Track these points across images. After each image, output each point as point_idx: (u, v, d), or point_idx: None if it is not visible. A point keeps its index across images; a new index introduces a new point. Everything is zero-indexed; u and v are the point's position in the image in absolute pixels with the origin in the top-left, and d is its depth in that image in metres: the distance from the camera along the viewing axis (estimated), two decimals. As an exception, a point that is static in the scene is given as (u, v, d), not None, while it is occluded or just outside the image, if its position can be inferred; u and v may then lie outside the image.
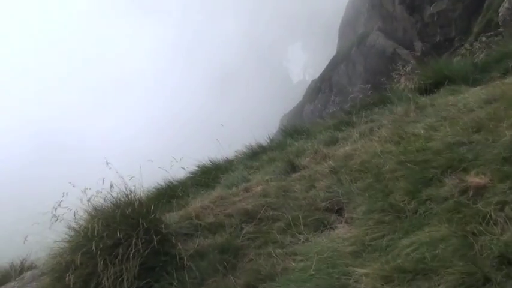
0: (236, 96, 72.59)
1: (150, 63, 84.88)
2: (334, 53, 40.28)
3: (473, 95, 5.19)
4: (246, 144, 6.88)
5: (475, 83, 6.03)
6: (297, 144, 5.69)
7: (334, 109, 35.53)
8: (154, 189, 6.22)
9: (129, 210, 3.48)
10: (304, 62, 72.57)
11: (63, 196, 3.49)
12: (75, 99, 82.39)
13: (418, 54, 26.63)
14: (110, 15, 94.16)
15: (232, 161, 6.55)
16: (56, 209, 3.48)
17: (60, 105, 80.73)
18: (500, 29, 15.01)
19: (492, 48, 7.83)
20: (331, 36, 46.89)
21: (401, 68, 9.05)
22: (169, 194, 5.91)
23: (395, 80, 8.92)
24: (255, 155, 6.31)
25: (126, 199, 3.65)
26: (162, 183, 6.23)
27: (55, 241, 3.53)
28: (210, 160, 6.70)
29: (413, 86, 6.60)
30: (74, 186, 3.57)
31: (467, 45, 16.85)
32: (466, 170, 3.46)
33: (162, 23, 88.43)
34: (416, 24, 24.36)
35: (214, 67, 77.63)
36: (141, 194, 3.81)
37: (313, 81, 41.51)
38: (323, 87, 36.80)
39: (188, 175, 6.47)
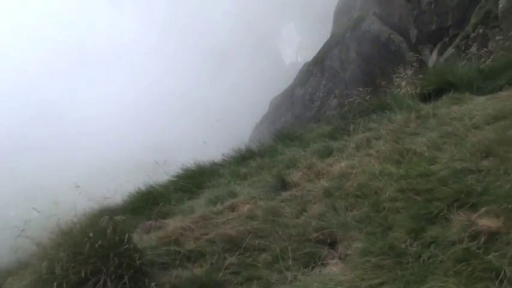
0: (228, 75, 71.75)
1: (141, 38, 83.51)
2: (328, 36, 39.69)
3: (479, 106, 4.83)
4: (235, 148, 6.48)
5: (480, 91, 5.66)
6: (288, 152, 5.31)
7: (325, 94, 35.29)
8: (135, 194, 5.84)
9: (100, 242, 3.09)
10: (297, 43, 71.68)
11: (25, 224, 3.09)
12: (64, 72, 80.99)
13: (413, 42, 26.24)
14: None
15: (220, 165, 6.16)
16: (17, 238, 3.08)
17: (47, 77, 79.32)
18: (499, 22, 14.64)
19: (497, 51, 7.32)
20: (326, 18, 46.16)
21: (402, 71, 8.61)
22: (151, 200, 5.53)
23: (395, 84, 8.50)
24: (243, 160, 5.92)
25: (96, 227, 3.26)
26: (143, 188, 5.84)
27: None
28: (195, 163, 6.29)
29: (414, 92, 6.22)
30: (38, 212, 3.17)
31: (463, 36, 16.50)
32: (475, 206, 3.12)
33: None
34: (413, 11, 23.87)
35: (208, 46, 76.52)
36: (116, 216, 3.41)
37: (305, 64, 40.94)
38: (315, 70, 36.30)
39: (172, 179, 6.08)
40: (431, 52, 24.09)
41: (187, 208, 4.93)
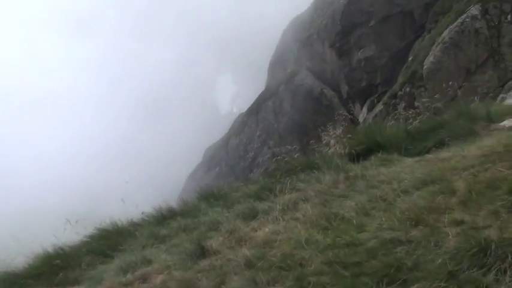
0: (162, 122, 70.94)
1: (73, 81, 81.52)
2: (263, 87, 40.31)
3: (407, 169, 4.74)
4: (155, 206, 6.02)
5: (408, 152, 5.64)
6: (211, 213, 4.94)
7: (259, 144, 35.50)
8: (40, 256, 5.23)
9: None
10: (233, 94, 72.38)
11: None
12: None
13: (344, 97, 27.05)
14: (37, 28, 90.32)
15: (138, 224, 5.67)
16: None
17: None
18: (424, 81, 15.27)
19: (423, 111, 7.49)
20: (262, 70, 47.02)
21: (331, 129, 8.58)
22: (59, 264, 4.96)
23: (324, 142, 8.44)
24: (164, 220, 5.48)
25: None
26: (50, 250, 5.24)
27: None
28: (111, 223, 5.77)
29: (343, 151, 6.12)
30: None
31: (391, 93, 17.07)
32: (405, 283, 2.87)
33: (92, 41, 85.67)
34: (344, 68, 24.76)
35: (142, 92, 75.73)
36: None
37: (240, 114, 41.21)
38: (249, 121, 36.53)
39: (85, 239, 5.53)
40: (361, 107, 24.83)
41: (97, 275, 4.42)
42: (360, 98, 24.80)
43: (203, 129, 63.01)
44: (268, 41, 42.97)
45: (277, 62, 37.81)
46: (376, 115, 16.00)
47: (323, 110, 30.33)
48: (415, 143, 5.94)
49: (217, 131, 50.55)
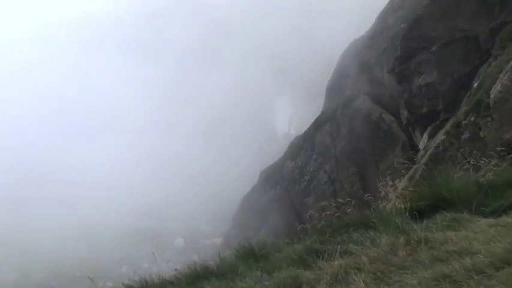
0: (220, 145, 71.63)
1: (138, 106, 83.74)
2: (319, 110, 39.86)
3: (481, 236, 4.16)
4: (189, 263, 5.72)
5: (480, 211, 5.01)
6: (248, 279, 4.53)
7: (315, 168, 34.92)
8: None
9: None
10: (290, 115, 72.31)
11: None
12: (56, 136, 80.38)
13: (404, 123, 26.18)
14: (100, 52, 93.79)
15: (170, 282, 5.36)
16: None
17: (43, 142, 78.69)
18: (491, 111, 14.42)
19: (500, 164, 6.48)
20: (319, 93, 46.64)
21: (390, 182, 8.05)
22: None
23: (382, 194, 7.92)
24: (197, 280, 5.15)
25: None
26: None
27: None
28: (140, 280, 5.53)
29: (403, 207, 5.58)
30: None
31: (454, 122, 16.25)
32: None
33: (155, 66, 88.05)
34: (404, 94, 23.98)
35: (201, 115, 76.87)
36: None
37: (296, 137, 40.82)
38: (305, 145, 36.12)
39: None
40: (422, 134, 23.95)
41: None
42: (421, 125, 23.88)
43: (260, 150, 63.18)
44: (326, 64, 42.60)
45: (334, 86, 37.30)
46: (438, 145, 15.21)
47: (381, 135, 29.53)
48: (489, 200, 5.26)
49: (274, 151, 50.46)
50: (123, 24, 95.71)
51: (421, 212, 5.30)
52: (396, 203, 5.85)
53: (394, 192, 6.61)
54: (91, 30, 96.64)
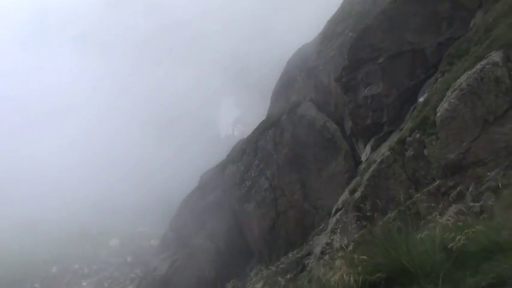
0: (172, 145, 70.04)
1: (88, 101, 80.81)
2: (265, 114, 39.33)
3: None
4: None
5: (447, 284, 4.11)
6: None
7: (257, 174, 34.21)
8: None
9: None
10: (234, 117, 71.57)
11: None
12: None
13: (348, 133, 25.86)
14: (48, 43, 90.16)
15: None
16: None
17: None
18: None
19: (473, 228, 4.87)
20: (265, 96, 46.18)
21: (339, 246, 7.09)
22: None
23: (327, 261, 6.88)
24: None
25: None
26: None
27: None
28: None
29: (353, 280, 4.48)
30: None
31: (399, 139, 15.81)
32: None
33: (107, 59, 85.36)
34: (349, 104, 23.59)
35: (154, 114, 75.00)
36: None
37: (239, 141, 40.04)
38: (248, 149, 35.39)
39: None
40: (364, 146, 23.68)
41: None
42: (364, 136, 23.60)
43: (203, 151, 62.18)
44: (277, 67, 42.05)
45: (280, 91, 36.79)
46: (382, 161, 14.72)
47: (325, 144, 29.21)
48: (460, 273, 4.29)
49: (216, 153, 49.64)
50: (75, 13, 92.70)
51: (376, 286, 4.39)
52: (344, 275, 4.68)
53: (342, 257, 5.35)
54: (38, 19, 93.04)
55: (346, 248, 6.12)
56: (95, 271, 50.74)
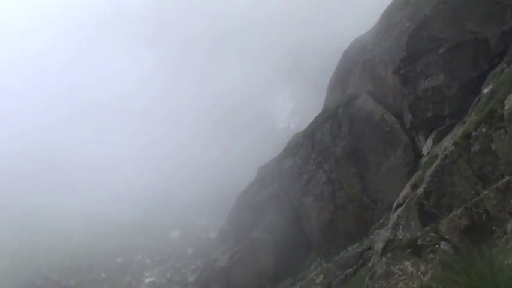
0: (226, 138, 70.99)
1: (140, 100, 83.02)
2: (321, 107, 39.15)
3: None
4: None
5: None
6: None
7: (314, 167, 34.16)
8: None
9: None
10: (290, 109, 71.58)
11: None
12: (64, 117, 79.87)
13: (407, 126, 25.39)
14: (103, 43, 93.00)
15: None
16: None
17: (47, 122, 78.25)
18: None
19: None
20: (320, 88, 45.94)
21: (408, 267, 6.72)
22: None
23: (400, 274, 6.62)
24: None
25: None
26: None
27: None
28: None
29: None
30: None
31: (464, 133, 15.41)
32: None
33: (160, 56, 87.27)
34: (409, 96, 23.14)
35: (208, 107, 76.08)
36: None
37: (295, 134, 40.05)
38: (305, 143, 35.37)
39: None
40: (425, 139, 23.20)
41: None
42: (425, 129, 23.10)
43: (259, 144, 62.62)
44: (332, 59, 41.66)
45: (336, 83, 36.47)
46: (446, 156, 14.40)
47: (383, 136, 28.80)
48: None
49: (273, 145, 49.95)
50: (132, 13, 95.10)
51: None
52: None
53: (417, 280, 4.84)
54: (95, 17, 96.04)
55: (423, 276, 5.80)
56: (157, 262, 52.29)
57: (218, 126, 72.74)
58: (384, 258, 11.86)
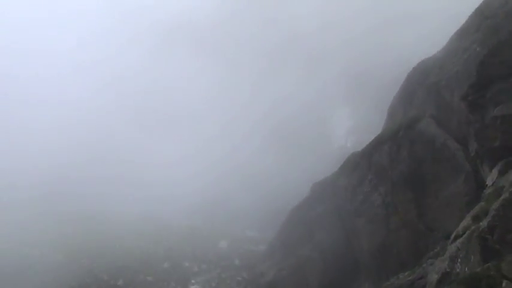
0: (279, 149, 70.83)
1: (199, 100, 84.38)
2: (380, 127, 38.42)
3: None
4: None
5: None
6: None
7: (369, 189, 33.42)
8: None
9: None
10: (348, 127, 70.64)
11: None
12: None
13: (471, 154, 24.43)
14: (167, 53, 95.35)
15: None
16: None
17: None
18: None
19: None
20: (379, 109, 45.11)
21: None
22: None
23: None
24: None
25: None
26: None
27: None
28: None
29: None
30: None
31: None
32: None
33: (227, 69, 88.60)
34: (475, 124, 22.24)
35: (263, 117, 76.24)
36: None
37: (352, 154, 39.40)
38: (362, 163, 34.76)
39: None
40: (490, 169, 22.19)
41: None
42: (491, 158, 22.08)
43: (314, 160, 62.12)
44: (394, 79, 40.82)
45: (398, 105, 35.66)
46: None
47: (444, 163, 27.79)
48: None
49: (328, 162, 49.36)
50: (193, 23, 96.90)
51: None
52: None
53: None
54: (162, 27, 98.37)
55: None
56: (203, 271, 52.61)
57: (272, 135, 72.67)
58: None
